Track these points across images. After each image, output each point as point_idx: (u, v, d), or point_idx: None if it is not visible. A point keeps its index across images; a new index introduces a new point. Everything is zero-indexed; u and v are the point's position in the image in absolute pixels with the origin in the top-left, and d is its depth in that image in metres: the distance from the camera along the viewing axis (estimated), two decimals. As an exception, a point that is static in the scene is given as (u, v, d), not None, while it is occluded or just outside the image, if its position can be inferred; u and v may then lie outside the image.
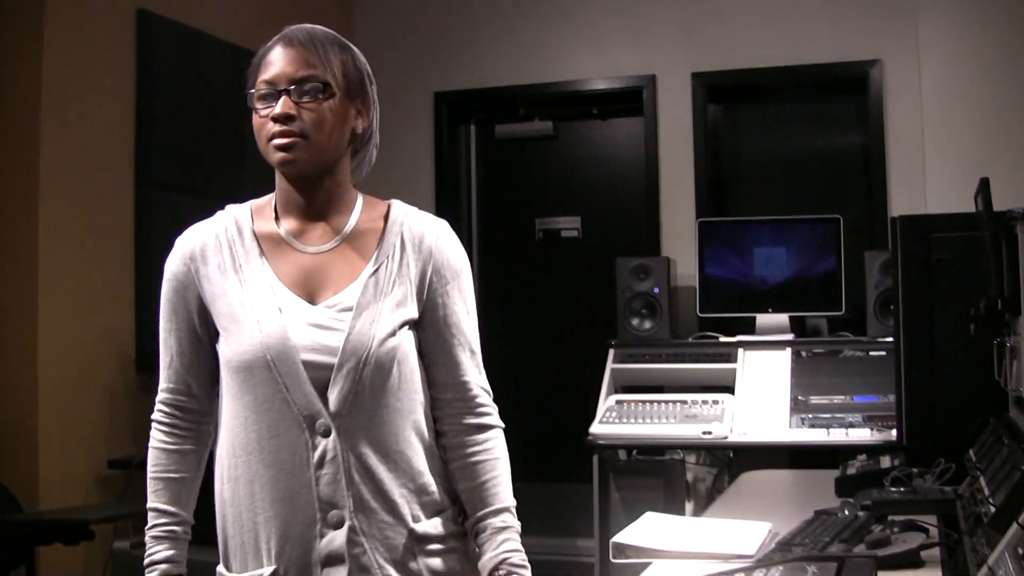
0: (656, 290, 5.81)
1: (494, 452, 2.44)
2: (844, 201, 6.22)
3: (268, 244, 2.32)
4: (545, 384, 6.78)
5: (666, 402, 5.26)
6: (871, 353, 5.33)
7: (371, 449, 2.22)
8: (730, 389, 5.33)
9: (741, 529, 2.78)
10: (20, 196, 4.77)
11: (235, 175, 5.84)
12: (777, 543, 2.56)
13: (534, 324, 6.90)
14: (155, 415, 2.35)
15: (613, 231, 6.73)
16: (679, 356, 5.66)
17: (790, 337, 5.59)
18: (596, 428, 5.18)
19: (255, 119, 2.30)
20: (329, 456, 2.19)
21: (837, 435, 4.88)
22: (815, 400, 5.14)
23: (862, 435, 4.85)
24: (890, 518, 2.68)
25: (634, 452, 5.53)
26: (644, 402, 5.29)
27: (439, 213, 7.17)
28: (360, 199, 2.45)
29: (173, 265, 2.34)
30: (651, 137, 6.52)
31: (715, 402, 5.19)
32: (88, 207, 5.01)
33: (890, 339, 4.98)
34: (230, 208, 2.40)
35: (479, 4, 6.89)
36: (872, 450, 4.24)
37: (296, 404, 2.19)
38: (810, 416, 5.05)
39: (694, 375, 5.57)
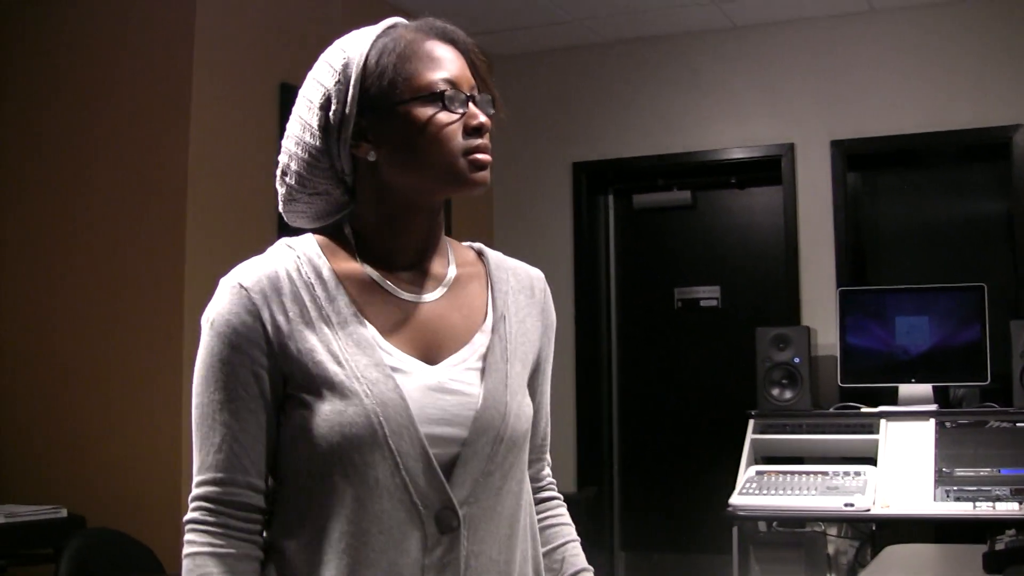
0: (796, 360, 5.77)
1: (566, 519, 2.14)
2: (987, 268, 6.12)
3: (356, 290, 1.83)
4: (684, 454, 6.74)
5: (807, 473, 5.20)
6: (1018, 424, 5.22)
7: (494, 547, 1.81)
8: (872, 460, 5.25)
9: (885, 604, 2.74)
10: (167, 265, 4.89)
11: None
12: (922, 619, 2.52)
13: (673, 393, 6.87)
14: (195, 514, 1.77)
15: (753, 300, 6.70)
16: (820, 427, 5.59)
17: (933, 407, 5.50)
18: (736, 499, 5.13)
19: (424, 123, 1.79)
20: (450, 557, 1.75)
21: (984, 508, 4.77)
22: (960, 472, 5.04)
23: (1010, 508, 4.73)
24: (1040, 594, 2.63)
25: (774, 524, 5.47)
26: (784, 473, 5.24)
27: (578, 283, 7.28)
28: (446, 240, 1.98)
29: (231, 315, 1.77)
30: (790, 205, 6.49)
31: (857, 474, 5.12)
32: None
33: (1038, 410, 4.89)
34: (291, 242, 1.87)
35: (617, 75, 6.94)
36: (1021, 524, 4.15)
37: (417, 491, 1.73)
38: (955, 489, 4.95)
39: (835, 446, 5.50)
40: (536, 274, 2.12)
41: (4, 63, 5.31)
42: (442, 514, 1.73)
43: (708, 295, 6.87)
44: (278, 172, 1.94)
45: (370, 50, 1.86)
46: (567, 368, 6.82)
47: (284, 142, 1.92)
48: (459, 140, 1.82)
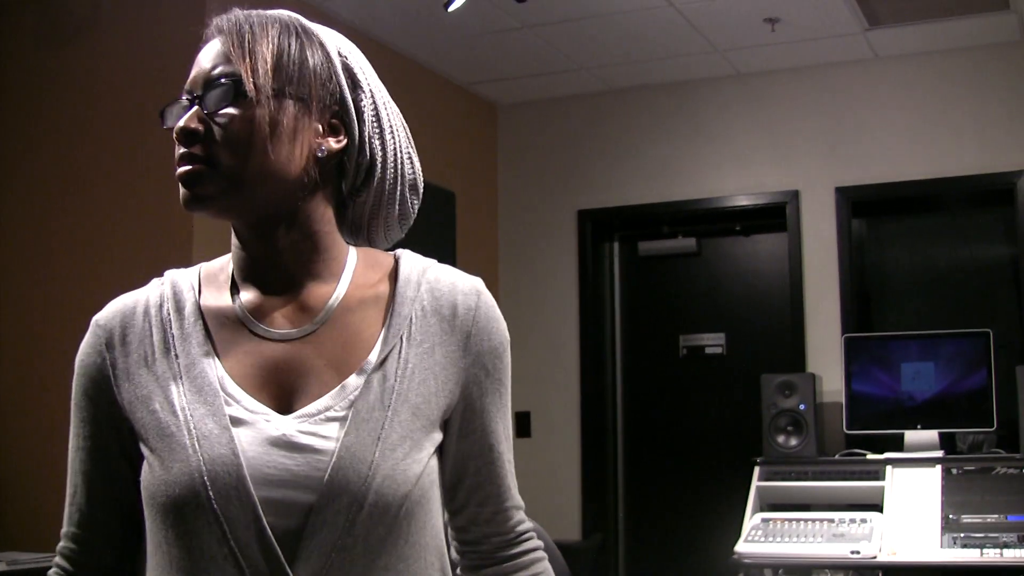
0: (802, 407, 5.75)
1: None
2: (993, 314, 6.11)
3: (218, 325, 1.59)
4: (690, 501, 6.71)
5: (813, 520, 5.18)
6: (1025, 471, 5.21)
7: None
8: (879, 507, 5.22)
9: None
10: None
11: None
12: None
13: (679, 441, 6.85)
14: (52, 569, 1.61)
15: (758, 347, 6.69)
16: (826, 474, 5.58)
17: (940, 454, 5.48)
18: (742, 547, 5.11)
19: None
20: None
21: (991, 555, 4.74)
22: (967, 519, 5.02)
23: (1018, 555, 4.71)
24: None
25: (780, 571, 5.44)
26: (790, 520, 5.21)
27: (583, 330, 7.26)
28: (353, 257, 1.66)
29: (83, 355, 1.63)
30: (795, 252, 6.49)
31: (863, 521, 5.09)
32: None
33: (1045, 456, 4.88)
34: (170, 274, 1.69)
35: (622, 122, 6.97)
36: (1028, 571, 4.13)
37: (249, 567, 1.44)
38: (962, 535, 4.92)
39: (841, 493, 5.48)
40: (465, 287, 1.72)
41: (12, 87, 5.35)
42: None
43: (713, 342, 6.86)
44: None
45: None
46: (572, 415, 6.80)
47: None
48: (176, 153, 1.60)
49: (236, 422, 1.49)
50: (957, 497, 5.15)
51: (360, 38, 6.06)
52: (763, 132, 6.64)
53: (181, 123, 1.55)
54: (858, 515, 5.15)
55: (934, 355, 5.73)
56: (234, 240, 1.63)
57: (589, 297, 6.97)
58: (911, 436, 5.64)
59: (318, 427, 1.49)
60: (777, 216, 6.59)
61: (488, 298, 1.74)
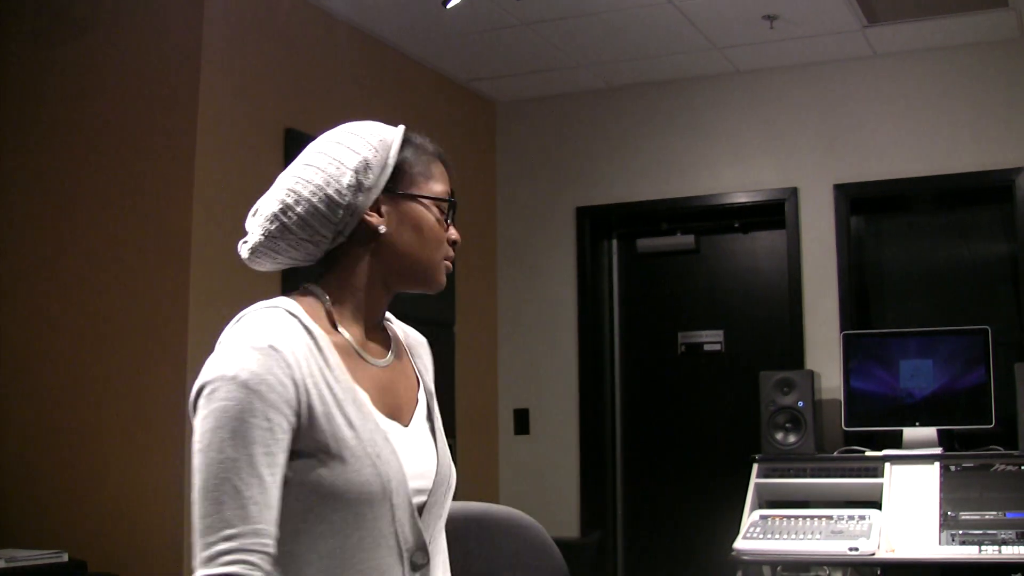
0: (800, 404, 5.75)
1: None
2: (992, 311, 6.12)
3: (343, 356, 2.02)
4: (688, 498, 6.71)
5: (811, 517, 5.18)
6: (1023, 467, 5.20)
7: (441, 574, 2.09)
8: (877, 504, 5.23)
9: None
10: (170, 308, 4.89)
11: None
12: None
13: (677, 438, 6.85)
14: (233, 568, 1.76)
15: (756, 344, 6.69)
16: (824, 471, 5.58)
17: (938, 451, 5.49)
18: (740, 543, 5.11)
19: (432, 222, 2.11)
20: None
21: (989, 552, 4.75)
22: (965, 516, 5.02)
23: (1016, 552, 4.71)
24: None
25: (779, 568, 5.44)
26: (789, 517, 5.22)
27: (582, 327, 7.28)
28: None
29: (267, 373, 1.86)
30: (793, 249, 6.49)
31: (862, 517, 5.09)
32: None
33: (1043, 453, 4.88)
34: (286, 307, 2.02)
35: (620, 119, 6.97)
36: (1026, 568, 4.13)
37: (402, 537, 1.96)
38: (960, 532, 4.92)
39: (840, 490, 5.48)
40: (421, 338, 2.34)
41: (10, 104, 5.34)
42: (416, 555, 1.97)
43: (712, 339, 6.86)
44: (274, 210, 2.05)
45: (404, 140, 2.13)
46: (571, 412, 6.81)
47: (293, 185, 2.05)
48: (446, 246, 2.15)
49: (387, 434, 1.97)
50: (955, 494, 5.15)
51: (358, 35, 6.11)
52: (761, 129, 6.64)
53: (458, 235, 2.17)
54: (856, 512, 5.15)
55: (932, 352, 5.73)
56: (359, 290, 2.09)
57: (588, 294, 6.97)
58: (909, 433, 5.65)
59: (423, 433, 2.08)
60: (776, 213, 6.59)
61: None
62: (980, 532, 4.89)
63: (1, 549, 4.54)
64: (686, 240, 6.92)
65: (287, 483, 1.85)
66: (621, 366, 7.07)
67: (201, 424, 1.83)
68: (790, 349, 6.41)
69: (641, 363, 7.04)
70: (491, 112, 7.25)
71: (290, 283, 5.36)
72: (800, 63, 6.54)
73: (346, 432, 1.90)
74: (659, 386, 6.96)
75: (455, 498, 2.20)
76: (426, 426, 2.13)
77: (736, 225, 6.84)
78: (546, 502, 6.54)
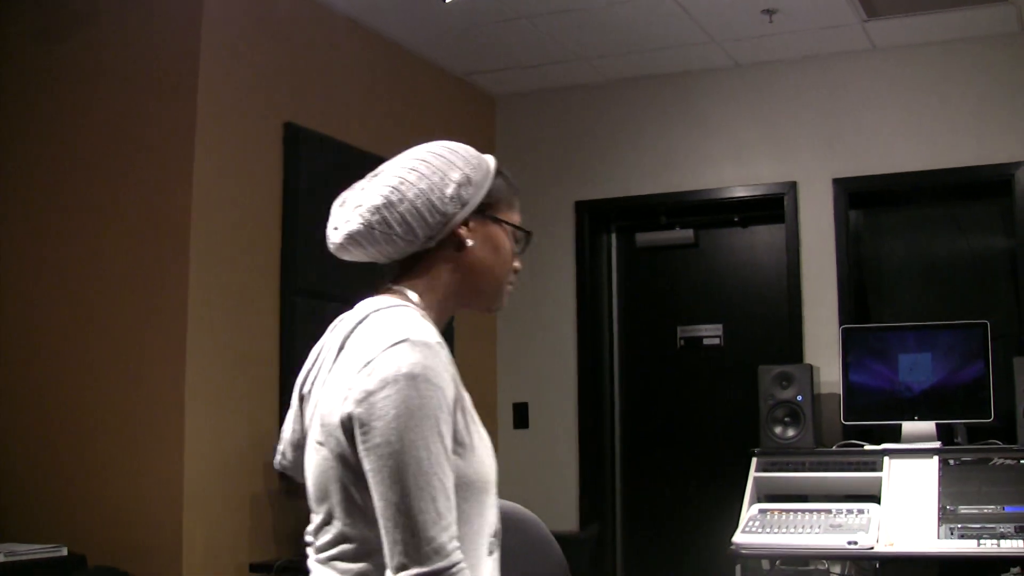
0: (799, 398, 5.75)
1: None
2: (990, 306, 6.12)
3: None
4: (687, 492, 6.71)
5: (810, 511, 5.19)
6: (1022, 461, 5.20)
7: None
8: (876, 498, 5.23)
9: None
10: (169, 302, 4.89)
11: (375, 281, 5.94)
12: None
13: (676, 432, 6.86)
14: (461, 555, 1.90)
15: (755, 338, 6.69)
16: (823, 465, 5.57)
17: (937, 445, 5.49)
18: (739, 537, 5.12)
19: (509, 248, 2.27)
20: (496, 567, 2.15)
21: (988, 546, 4.75)
22: (964, 510, 5.03)
23: (1015, 546, 4.71)
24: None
25: (777, 562, 5.44)
26: (788, 511, 5.22)
27: (581, 321, 7.27)
28: None
29: (445, 371, 1.99)
30: (792, 244, 6.49)
31: (860, 511, 5.10)
32: (235, 313, 5.12)
33: (1042, 447, 4.88)
34: (414, 306, 2.15)
35: (619, 113, 6.97)
36: (1025, 562, 4.13)
37: (492, 525, 2.11)
38: (959, 526, 4.93)
39: (838, 484, 5.48)
40: None
41: (12, 93, 5.34)
42: (493, 540, 2.10)
43: (711, 333, 6.86)
44: (377, 203, 2.16)
45: (497, 171, 2.27)
46: (570, 406, 6.81)
47: (398, 185, 2.16)
48: (511, 277, 2.30)
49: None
50: (954, 488, 5.16)
51: (357, 29, 6.10)
52: (761, 123, 6.64)
53: (520, 266, 2.31)
54: (855, 506, 5.16)
55: (931, 346, 5.73)
56: (438, 285, 2.20)
57: (587, 288, 6.97)
58: (908, 427, 5.65)
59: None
60: (775, 207, 6.59)
61: None
62: (979, 526, 4.90)
63: (0, 543, 4.55)
64: (685, 234, 6.92)
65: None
66: (620, 360, 7.07)
67: (391, 422, 1.90)
68: (789, 343, 6.41)
69: (640, 357, 7.04)
70: (490, 106, 7.25)
71: (288, 282, 5.37)
72: (799, 57, 6.54)
73: (473, 425, 2.06)
74: (658, 380, 6.96)
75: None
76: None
77: (735, 219, 6.84)
78: (545, 496, 6.54)
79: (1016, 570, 3.61)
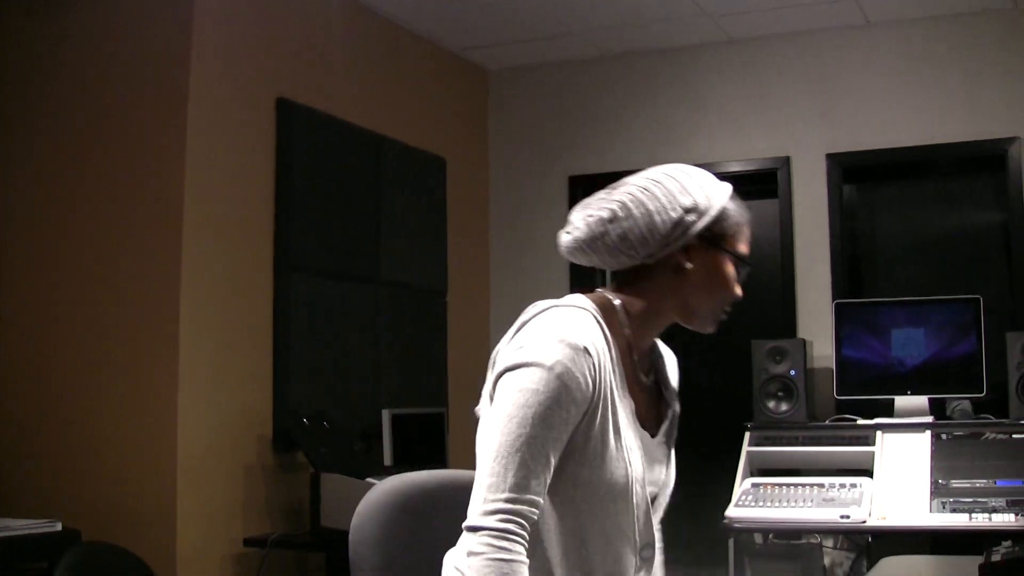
0: (792, 372, 5.76)
1: None
2: (983, 281, 6.12)
3: (623, 365, 2.25)
4: (679, 466, 6.69)
5: (803, 485, 5.20)
6: (1014, 436, 5.22)
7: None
8: (868, 472, 5.25)
9: (880, 614, 2.73)
10: (163, 278, 4.89)
11: (372, 258, 5.95)
12: (917, 629, 2.52)
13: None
14: (502, 523, 2.03)
15: (748, 313, 6.65)
16: (816, 439, 5.59)
17: (929, 419, 5.50)
18: (732, 511, 5.13)
19: (727, 276, 2.33)
20: None
21: (980, 520, 4.77)
22: (956, 484, 5.04)
23: (1006, 520, 4.73)
24: (1035, 605, 2.62)
25: (770, 536, 5.47)
26: (781, 485, 5.24)
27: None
28: None
29: (577, 372, 2.10)
30: (786, 219, 6.49)
31: (853, 485, 5.12)
32: (229, 289, 5.12)
33: (1034, 422, 4.89)
34: (588, 307, 2.25)
35: (613, 88, 6.96)
36: (1017, 536, 4.15)
37: (639, 535, 2.22)
38: (951, 500, 4.95)
39: (831, 458, 5.50)
40: (672, 356, 2.50)
41: (4, 74, 5.32)
42: (645, 550, 2.23)
43: (704, 308, 6.85)
44: (603, 215, 2.31)
45: (729, 200, 2.31)
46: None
47: (627, 201, 2.29)
48: (727, 298, 2.34)
49: (640, 444, 2.22)
50: (946, 462, 5.17)
51: (351, 4, 6.07)
52: (754, 98, 6.63)
53: (740, 295, 2.37)
54: (848, 480, 5.17)
55: (924, 321, 5.74)
56: (648, 303, 2.29)
57: (579, 264, 6.95)
58: (901, 402, 5.66)
59: (661, 449, 2.33)
60: (768, 182, 6.59)
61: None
62: (971, 500, 4.92)
63: (-5, 518, 4.55)
64: (679, 209, 6.91)
65: (565, 462, 2.12)
66: (613, 335, 7.06)
67: (512, 396, 2.08)
68: (782, 318, 6.42)
69: (633, 332, 7.02)
70: (484, 81, 7.23)
71: (281, 257, 5.36)
72: (793, 32, 6.53)
73: (611, 436, 2.14)
74: (651, 355, 6.95)
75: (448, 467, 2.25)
76: (665, 439, 2.36)
77: (728, 194, 6.82)
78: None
79: (1007, 543, 3.61)
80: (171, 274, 4.89)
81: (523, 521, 2.04)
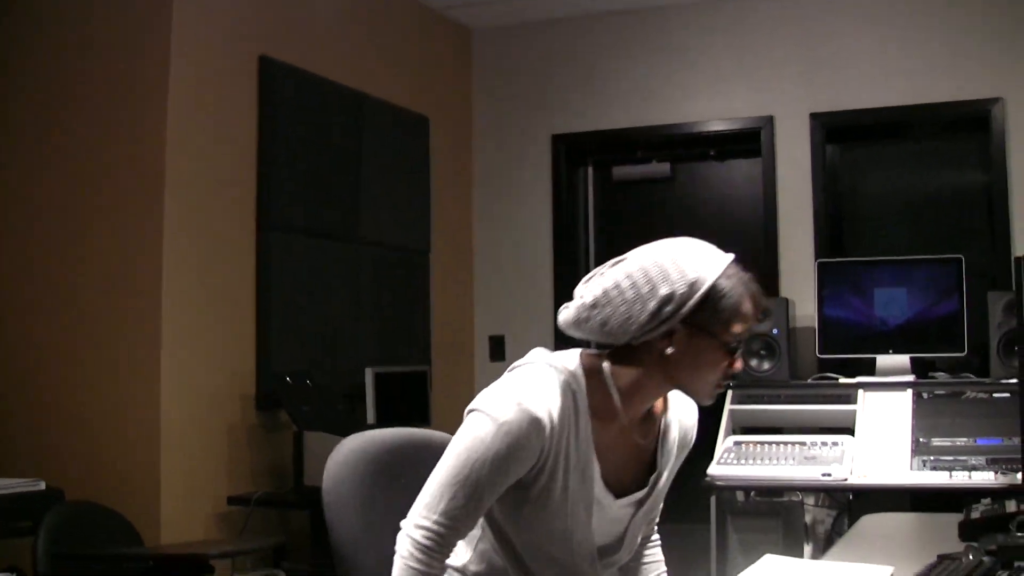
0: (775, 331, 5.78)
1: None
2: (966, 241, 6.14)
3: (600, 425, 2.35)
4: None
5: (785, 443, 5.22)
6: (995, 395, 5.25)
7: None
8: (850, 431, 5.27)
9: (862, 573, 2.75)
10: (144, 237, 4.88)
11: (355, 217, 5.94)
12: (898, 586, 2.53)
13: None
14: (424, 540, 2.24)
15: (731, 272, 6.68)
16: (798, 397, 5.61)
17: (911, 378, 5.52)
18: (714, 469, 5.15)
19: (714, 360, 2.31)
20: None
21: (960, 478, 4.80)
22: (937, 442, 5.07)
23: (986, 478, 4.77)
24: (1016, 564, 2.64)
25: (752, 493, 5.49)
26: (763, 443, 5.26)
27: (557, 254, 7.23)
28: None
29: (523, 435, 2.24)
30: (769, 178, 6.49)
31: (835, 444, 5.14)
32: (211, 248, 5.11)
33: (1014, 380, 4.92)
34: (571, 377, 2.34)
35: (597, 47, 6.93)
36: (996, 494, 4.17)
37: (583, 572, 2.38)
38: (932, 459, 4.98)
39: (813, 416, 5.51)
40: (694, 418, 2.60)
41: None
42: None
43: (687, 267, 6.86)
44: (588, 301, 2.34)
45: (717, 282, 2.29)
46: (547, 339, 6.80)
47: (611, 289, 2.32)
48: (720, 376, 2.32)
49: (596, 502, 2.34)
50: (927, 421, 5.20)
51: (333, -39, 5.98)
52: (738, 57, 6.61)
53: (740, 366, 2.34)
54: (830, 438, 5.19)
55: (907, 280, 5.75)
56: (636, 380, 2.33)
57: (563, 222, 6.97)
58: (883, 360, 5.68)
59: (626, 508, 2.43)
60: (751, 142, 6.59)
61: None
62: (951, 458, 4.95)
63: (-24, 477, 4.54)
64: (662, 168, 6.92)
65: (507, 497, 2.30)
66: (596, 294, 7.06)
67: (465, 438, 2.25)
68: (765, 277, 6.42)
69: (616, 291, 7.03)
70: (467, 39, 7.20)
71: (264, 217, 5.34)
72: (777, -10, 6.51)
73: (557, 491, 2.28)
74: (634, 314, 6.95)
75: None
76: (638, 500, 2.44)
77: (712, 153, 6.83)
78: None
79: (987, 501, 3.63)
80: (153, 233, 4.87)
81: (443, 542, 2.23)
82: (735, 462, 5.16)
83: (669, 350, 2.28)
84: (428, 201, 6.63)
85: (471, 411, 2.29)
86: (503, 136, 7.11)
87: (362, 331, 6.03)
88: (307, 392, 5.24)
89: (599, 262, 6.90)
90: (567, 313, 2.38)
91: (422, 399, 5.97)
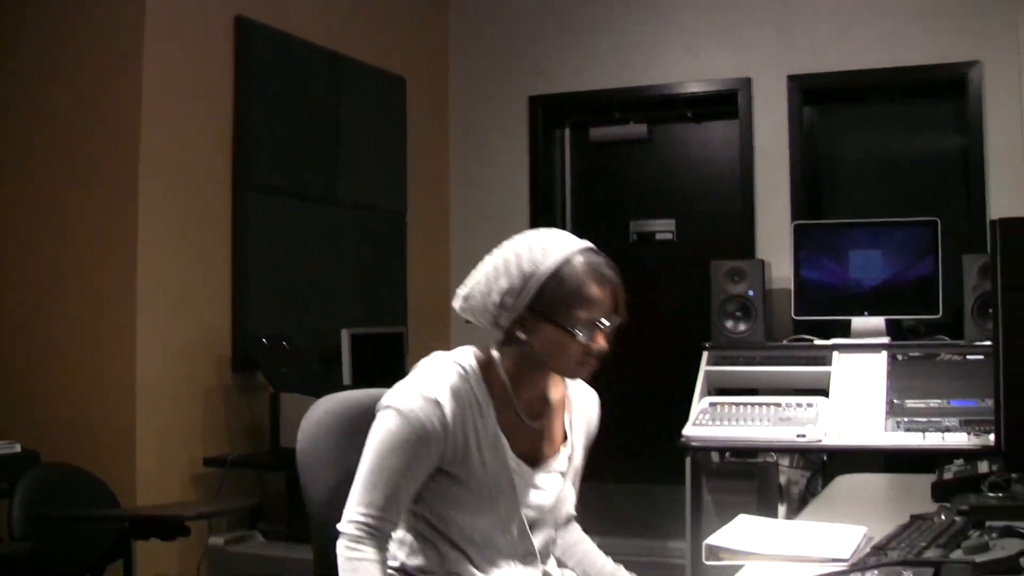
0: (751, 293, 5.79)
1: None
2: (942, 204, 6.15)
3: (500, 409, 2.56)
4: (638, 386, 6.76)
5: (760, 405, 5.24)
6: (968, 357, 5.27)
7: None
8: (825, 392, 5.29)
9: (836, 533, 2.76)
10: (120, 199, 4.86)
11: (330, 177, 5.93)
12: (872, 547, 2.55)
13: (627, 326, 6.87)
14: (355, 531, 2.44)
15: (708, 234, 6.71)
16: (773, 359, 5.63)
17: (886, 340, 5.55)
18: (689, 430, 5.17)
19: (563, 344, 2.52)
20: None
21: (933, 439, 4.83)
22: (911, 404, 5.10)
23: (959, 439, 4.79)
24: (988, 524, 2.65)
25: (727, 454, 5.51)
26: (738, 404, 5.28)
27: (534, 216, 7.24)
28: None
29: (425, 418, 2.44)
30: (746, 140, 6.50)
31: (809, 405, 5.16)
32: (187, 210, 5.09)
33: (988, 343, 4.95)
34: (464, 367, 2.55)
35: (574, 7, 6.91)
36: (969, 455, 4.19)
37: (515, 546, 2.58)
38: (906, 420, 5.00)
39: (788, 378, 5.54)
40: (594, 400, 3.00)
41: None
42: (526, 557, 2.60)
43: (663, 228, 6.88)
44: (462, 292, 2.57)
45: (555, 272, 2.52)
46: (523, 301, 6.82)
47: (476, 279, 2.56)
48: (578, 356, 2.55)
49: (514, 472, 2.55)
50: (902, 382, 5.22)
51: (309, -80, 5.94)
52: (715, 18, 6.60)
53: (602, 346, 2.62)
54: (804, 399, 5.22)
55: (882, 243, 5.77)
56: (529, 370, 2.59)
57: (540, 183, 6.96)
58: (858, 322, 5.71)
59: (546, 475, 2.65)
60: (729, 103, 6.58)
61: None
62: (925, 420, 4.97)
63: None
64: (639, 129, 6.91)
65: (434, 486, 2.52)
66: (573, 255, 7.06)
67: (378, 430, 2.46)
68: (741, 238, 6.44)
69: (593, 252, 7.03)
70: (443, 0, 7.18)
71: (240, 178, 5.32)
72: (755, -49, 6.49)
73: (476, 467, 2.50)
74: (611, 275, 6.96)
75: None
76: (556, 471, 2.68)
77: (689, 115, 6.83)
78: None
79: (959, 462, 3.65)
80: (129, 195, 4.85)
81: (373, 531, 2.43)
82: (710, 423, 5.17)
83: (522, 337, 2.52)
84: (405, 162, 6.62)
85: (379, 408, 2.47)
86: (480, 97, 7.09)
87: (339, 292, 6.03)
88: (283, 353, 5.23)
89: (576, 223, 7.02)
90: (455, 303, 2.61)
91: (398, 360, 5.98)
